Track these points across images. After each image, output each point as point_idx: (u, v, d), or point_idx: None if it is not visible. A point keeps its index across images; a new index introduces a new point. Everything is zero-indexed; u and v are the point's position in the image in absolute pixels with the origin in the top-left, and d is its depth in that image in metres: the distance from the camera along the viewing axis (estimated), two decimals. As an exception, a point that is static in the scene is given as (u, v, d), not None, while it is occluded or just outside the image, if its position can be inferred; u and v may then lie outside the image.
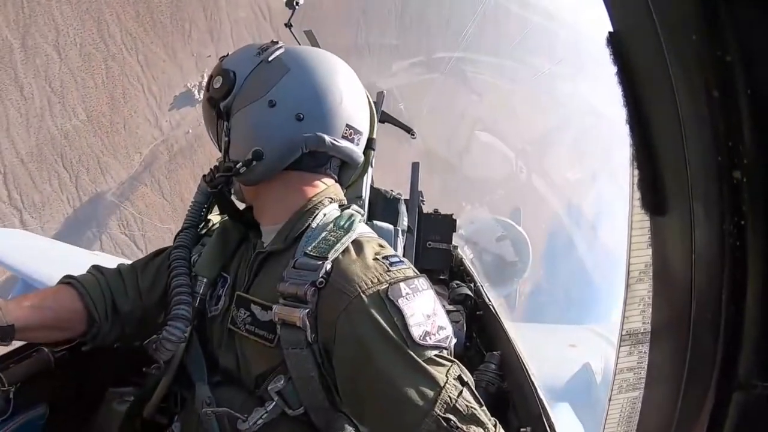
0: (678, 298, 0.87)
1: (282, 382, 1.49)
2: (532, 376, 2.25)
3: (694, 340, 0.82)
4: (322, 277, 1.43)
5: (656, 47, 0.78)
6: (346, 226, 1.57)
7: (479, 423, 1.33)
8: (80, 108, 14.04)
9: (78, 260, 10.57)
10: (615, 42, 0.86)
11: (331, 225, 1.59)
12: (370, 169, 2.67)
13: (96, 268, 1.90)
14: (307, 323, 1.41)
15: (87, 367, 2.27)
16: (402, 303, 1.38)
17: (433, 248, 3.28)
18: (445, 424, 1.28)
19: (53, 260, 10.19)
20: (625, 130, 0.90)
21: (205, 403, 1.58)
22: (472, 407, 1.33)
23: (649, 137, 0.88)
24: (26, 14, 13.36)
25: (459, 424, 1.29)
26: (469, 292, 2.99)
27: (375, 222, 2.60)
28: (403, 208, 3.09)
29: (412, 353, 1.34)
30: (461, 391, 1.34)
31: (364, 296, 1.39)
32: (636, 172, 0.91)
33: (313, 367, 1.44)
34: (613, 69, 0.87)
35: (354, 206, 1.76)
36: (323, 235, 1.55)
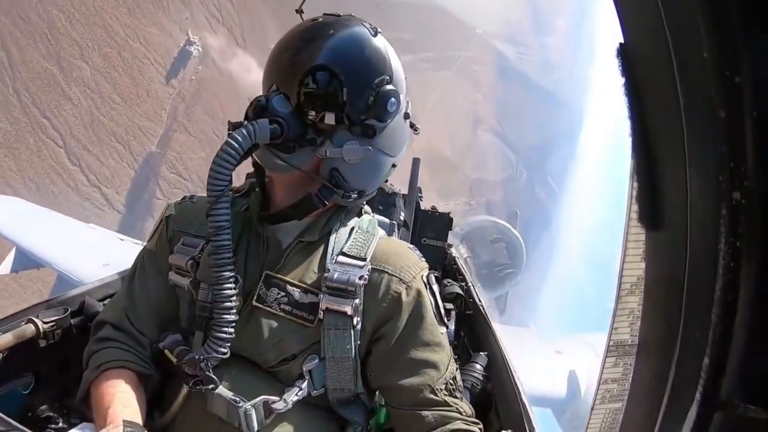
0: (667, 314, 0.87)
1: (316, 361, 1.63)
2: (516, 380, 2.26)
3: (680, 357, 0.82)
4: (367, 273, 1.64)
5: (666, 62, 0.77)
6: (370, 229, 1.80)
7: (459, 389, 1.73)
8: (114, 95, 18.72)
9: (71, 230, 10.57)
10: (625, 54, 0.86)
11: (356, 228, 1.79)
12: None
13: (108, 339, 1.79)
14: (359, 310, 1.62)
15: (74, 341, 2.27)
16: (435, 288, 1.77)
17: (428, 245, 3.27)
18: (451, 384, 1.69)
19: (47, 229, 10.20)
20: (627, 142, 0.90)
21: (234, 402, 1.60)
22: (458, 375, 1.76)
23: (651, 151, 0.88)
24: (53, 44, 17.68)
25: (454, 386, 1.70)
26: (460, 291, 2.99)
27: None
28: (400, 202, 3.09)
29: (441, 328, 1.72)
30: (455, 365, 1.76)
31: (415, 280, 1.70)
32: (635, 185, 0.91)
33: (351, 347, 1.63)
34: (621, 80, 0.87)
35: (366, 207, 1.92)
36: (354, 236, 1.75)
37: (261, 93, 1.69)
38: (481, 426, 1.72)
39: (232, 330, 1.59)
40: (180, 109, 20.15)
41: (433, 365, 1.66)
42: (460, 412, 1.67)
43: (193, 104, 20.28)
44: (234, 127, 1.59)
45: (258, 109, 1.59)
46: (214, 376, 1.61)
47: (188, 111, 20.16)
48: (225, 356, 1.60)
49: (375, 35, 1.68)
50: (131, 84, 19.01)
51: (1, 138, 17.01)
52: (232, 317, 1.59)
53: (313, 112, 1.61)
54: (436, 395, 1.65)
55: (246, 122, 1.57)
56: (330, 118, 1.62)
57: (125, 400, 1.60)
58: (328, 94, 1.60)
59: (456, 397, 1.69)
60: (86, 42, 18.13)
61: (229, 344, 1.60)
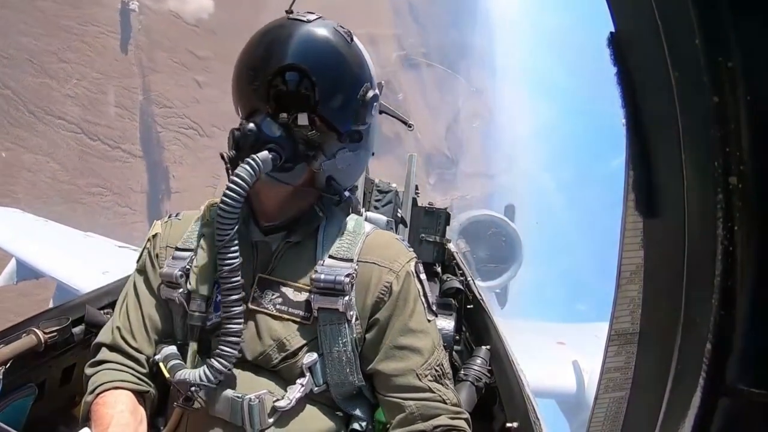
0: (668, 301, 0.87)
1: (314, 357, 1.65)
2: (519, 372, 2.26)
3: (682, 344, 0.82)
4: (354, 271, 1.66)
5: (658, 50, 0.78)
6: (357, 230, 1.80)
7: (447, 377, 1.73)
8: (95, 73, 23.41)
9: (70, 240, 10.55)
10: (616, 43, 0.86)
11: (343, 230, 1.79)
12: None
13: (103, 362, 1.80)
14: (350, 306, 1.64)
15: (76, 350, 2.26)
16: (422, 277, 1.78)
17: (426, 241, 3.27)
18: (437, 371, 1.69)
19: (46, 240, 10.18)
20: (621, 130, 0.90)
21: (236, 398, 1.63)
22: (445, 363, 1.75)
23: (646, 139, 0.88)
24: (36, 63, 22.17)
25: (441, 372, 1.70)
26: (460, 286, 2.99)
27: (368, 213, 2.60)
28: (397, 199, 3.09)
29: (428, 317, 1.74)
30: (443, 353, 1.77)
31: (403, 269, 1.73)
32: (631, 173, 0.91)
33: (347, 341, 1.65)
34: (613, 70, 0.87)
35: (352, 197, 1.87)
36: (340, 239, 1.76)
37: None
38: (467, 416, 1.71)
39: (227, 364, 1.60)
40: (143, 58, 24.58)
41: (417, 351, 1.67)
42: (444, 401, 1.66)
43: (150, 50, 24.69)
44: (231, 160, 1.61)
45: (251, 139, 1.58)
46: (201, 403, 1.64)
47: (150, 56, 24.62)
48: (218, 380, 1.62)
49: (351, 41, 1.68)
50: (101, 58, 23.65)
51: (39, 151, 21.50)
52: (235, 351, 1.61)
53: (285, 114, 1.59)
54: (419, 381, 1.65)
55: (246, 158, 1.55)
56: (303, 119, 1.59)
57: (124, 419, 1.63)
58: (299, 94, 1.58)
59: (442, 384, 1.69)
60: (56, 48, 22.52)
61: (222, 372, 1.61)
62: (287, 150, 1.61)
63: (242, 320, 1.62)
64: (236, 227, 1.59)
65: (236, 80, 1.69)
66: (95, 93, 23.22)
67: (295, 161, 1.65)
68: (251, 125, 1.58)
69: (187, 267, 1.76)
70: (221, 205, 1.56)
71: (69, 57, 22.47)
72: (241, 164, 1.55)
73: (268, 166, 1.56)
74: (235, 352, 1.61)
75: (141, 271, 1.89)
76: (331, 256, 1.71)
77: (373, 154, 1.91)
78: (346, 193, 1.82)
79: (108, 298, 2.50)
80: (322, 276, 1.64)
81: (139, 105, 24.23)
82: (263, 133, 1.58)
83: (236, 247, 1.60)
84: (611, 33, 0.87)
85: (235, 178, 1.53)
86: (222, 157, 1.65)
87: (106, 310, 2.42)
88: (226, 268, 1.59)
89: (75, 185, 21.90)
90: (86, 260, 9.32)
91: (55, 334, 2.13)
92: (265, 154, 1.55)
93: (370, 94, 1.69)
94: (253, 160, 1.54)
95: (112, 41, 23.91)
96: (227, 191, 1.55)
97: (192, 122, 24.77)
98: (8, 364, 1.95)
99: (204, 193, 21.74)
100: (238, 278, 1.61)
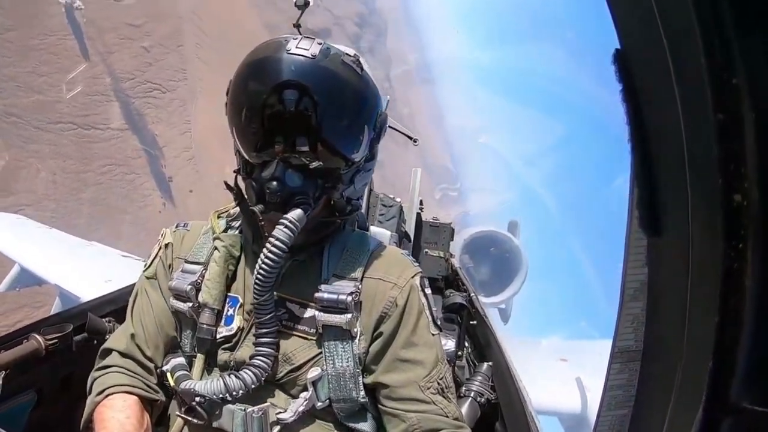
0: (671, 319, 0.87)
1: (318, 372, 1.65)
2: (521, 389, 2.25)
3: (685, 362, 0.82)
4: (357, 289, 1.66)
5: (663, 67, 0.78)
6: (361, 247, 1.78)
7: (451, 390, 1.73)
8: (69, 74, 26.33)
9: (73, 248, 10.57)
10: (621, 60, 0.86)
11: (347, 248, 1.78)
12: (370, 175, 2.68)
13: (113, 366, 1.79)
14: (354, 323, 1.65)
15: (77, 357, 2.26)
16: (427, 291, 1.77)
17: (430, 256, 3.27)
18: (439, 384, 1.68)
19: (49, 246, 10.21)
20: (626, 147, 0.90)
21: (239, 410, 1.64)
22: (448, 377, 1.76)
23: (651, 157, 0.88)
24: (26, 88, 24.60)
25: (444, 385, 1.70)
26: (463, 302, 2.98)
27: (372, 227, 2.60)
28: (401, 214, 3.09)
29: (432, 330, 1.73)
30: (446, 366, 1.76)
31: (408, 284, 1.72)
32: (636, 190, 0.91)
33: (350, 357, 1.65)
34: (618, 86, 0.87)
35: (359, 213, 1.91)
36: (344, 257, 1.75)
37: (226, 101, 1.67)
38: (468, 431, 1.70)
39: (253, 378, 1.61)
40: (98, 45, 27.90)
41: (420, 363, 1.67)
42: (446, 414, 1.65)
43: (100, 36, 27.72)
44: (262, 213, 1.59)
45: (278, 194, 1.56)
46: (204, 414, 1.64)
47: (102, 42, 27.84)
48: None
49: (361, 70, 1.62)
50: (67, 60, 26.55)
51: (54, 155, 24.24)
52: (255, 382, 1.62)
53: (281, 138, 1.54)
54: (422, 393, 1.64)
55: (281, 220, 1.54)
56: (302, 143, 1.54)
57: (130, 425, 1.63)
58: (298, 115, 1.52)
59: (444, 397, 1.68)
60: (32, 66, 25.26)
61: (252, 381, 1.62)
62: (311, 194, 1.61)
63: (271, 361, 1.63)
64: (274, 285, 1.61)
65: (233, 118, 1.63)
66: (80, 87, 26.52)
67: (318, 199, 1.64)
68: (275, 183, 1.55)
69: (198, 281, 1.75)
70: (262, 264, 1.55)
71: (44, 70, 25.77)
72: (278, 227, 1.54)
73: (303, 221, 1.56)
74: (255, 383, 1.61)
75: (152, 278, 1.88)
76: (335, 275, 1.71)
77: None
78: (360, 204, 1.85)
79: (110, 306, 2.50)
80: (326, 295, 1.64)
81: (111, 87, 27.76)
82: (287, 186, 1.56)
83: (272, 303, 1.62)
84: (616, 50, 0.87)
85: (276, 242, 1.53)
86: (247, 208, 1.66)
87: (108, 318, 2.42)
88: (264, 318, 1.62)
89: (89, 171, 25.12)
90: (89, 269, 9.33)
91: (56, 340, 2.12)
92: (299, 213, 1.55)
93: (382, 117, 1.71)
94: (291, 222, 1.54)
95: (70, 42, 27.27)
96: (267, 252, 1.54)
97: (153, 84, 28.81)
98: (8, 369, 1.95)
99: (184, 139, 28.08)
100: (274, 329, 1.63)
